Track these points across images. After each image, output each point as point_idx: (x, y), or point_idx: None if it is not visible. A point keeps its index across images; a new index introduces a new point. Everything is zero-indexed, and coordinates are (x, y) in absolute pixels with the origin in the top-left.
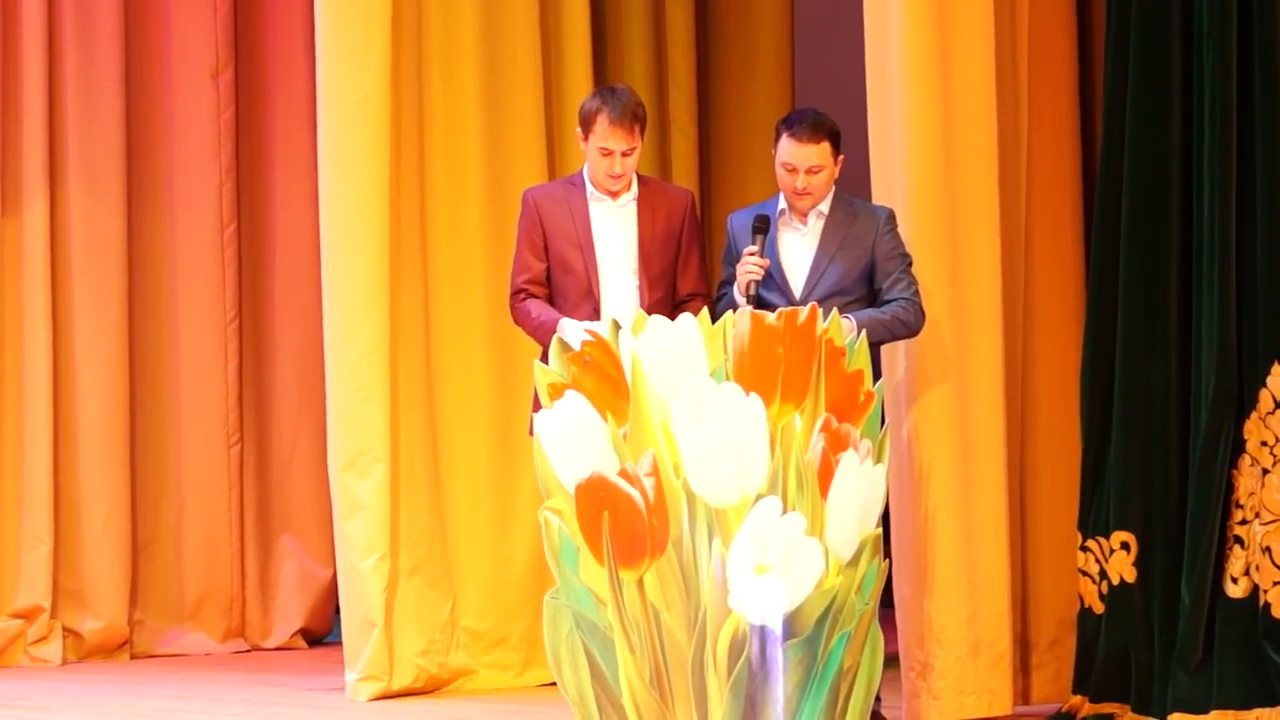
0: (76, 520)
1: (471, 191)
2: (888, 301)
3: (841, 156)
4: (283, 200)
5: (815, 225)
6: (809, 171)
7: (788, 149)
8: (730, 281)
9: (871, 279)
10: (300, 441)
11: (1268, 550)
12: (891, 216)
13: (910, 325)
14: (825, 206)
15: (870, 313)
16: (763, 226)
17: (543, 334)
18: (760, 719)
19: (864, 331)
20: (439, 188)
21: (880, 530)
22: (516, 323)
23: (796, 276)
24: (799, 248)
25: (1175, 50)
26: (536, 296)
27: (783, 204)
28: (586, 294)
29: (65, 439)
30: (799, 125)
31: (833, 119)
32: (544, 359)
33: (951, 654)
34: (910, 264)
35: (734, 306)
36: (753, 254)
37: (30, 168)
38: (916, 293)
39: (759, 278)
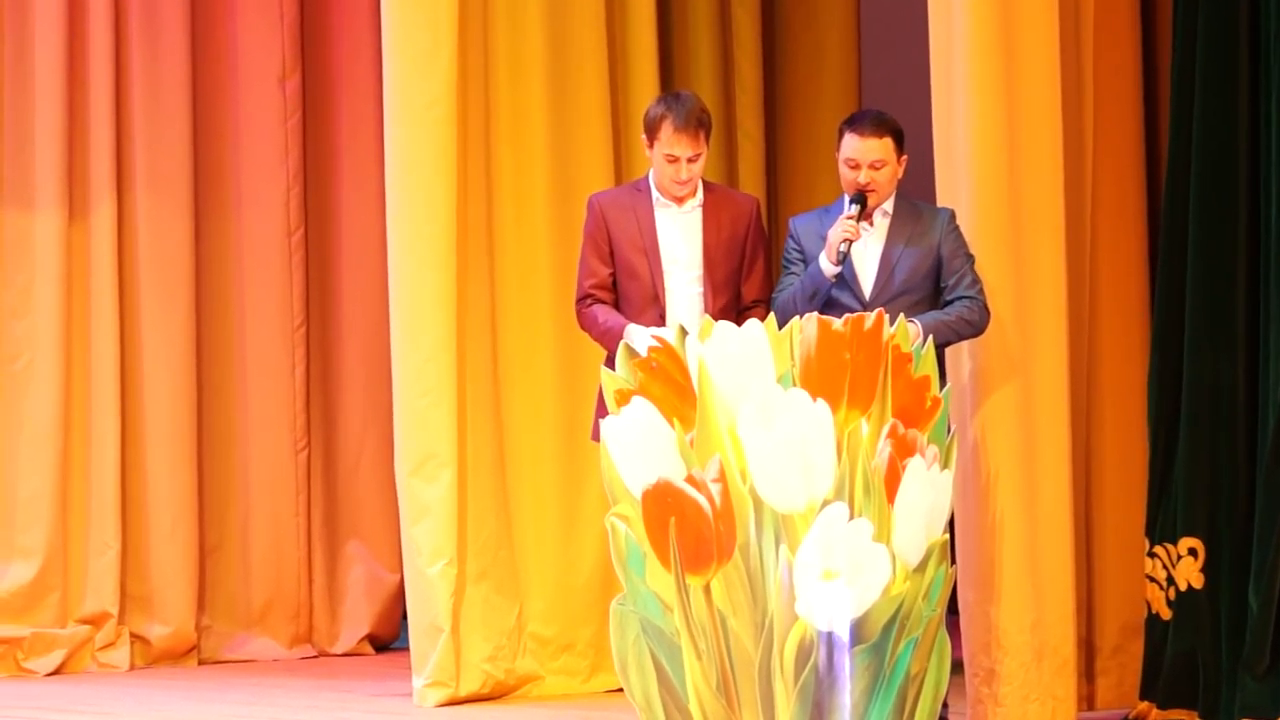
0: (144, 525)
1: (538, 196)
2: (951, 301)
3: (905, 156)
4: (350, 205)
5: (881, 224)
6: (871, 166)
7: (850, 145)
8: (794, 273)
9: (937, 277)
10: (367, 446)
11: None
12: (954, 215)
13: (976, 324)
14: (889, 206)
15: (935, 315)
16: (861, 199)
17: (609, 339)
18: None
19: (930, 337)
20: (506, 192)
21: (947, 536)
22: (583, 328)
23: (866, 274)
24: (867, 246)
25: (1242, 52)
26: (603, 302)
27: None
28: (652, 300)
29: (132, 444)
30: (861, 121)
31: (896, 119)
32: (610, 364)
33: (1016, 660)
34: (974, 262)
35: (795, 298)
36: (851, 217)
37: (97, 173)
38: (981, 290)
39: (856, 238)
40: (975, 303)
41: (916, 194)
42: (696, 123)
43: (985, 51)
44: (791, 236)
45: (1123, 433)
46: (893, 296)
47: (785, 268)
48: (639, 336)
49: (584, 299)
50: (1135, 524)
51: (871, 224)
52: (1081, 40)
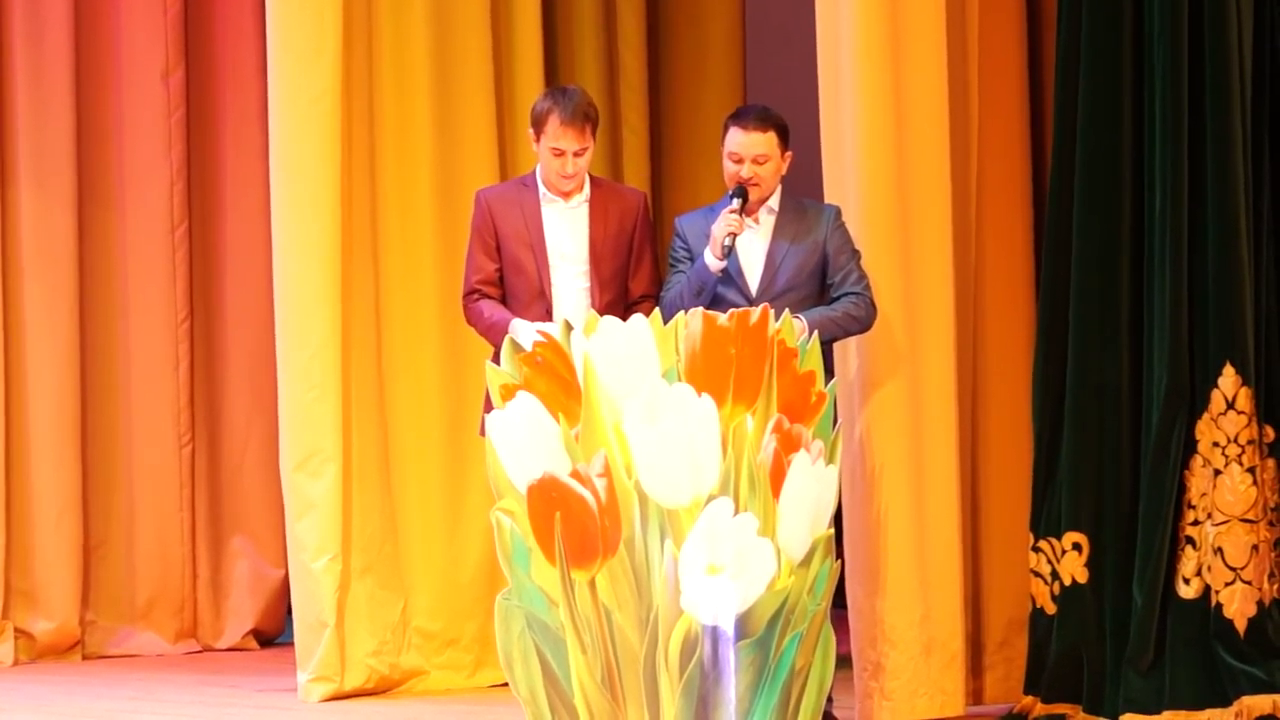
0: (28, 520)
1: (423, 191)
2: (839, 297)
3: (789, 153)
4: (234, 200)
5: (767, 221)
6: (755, 161)
7: (734, 139)
8: (682, 271)
9: (823, 274)
10: (252, 442)
11: (1219, 551)
12: (839, 212)
13: (862, 320)
14: (775, 203)
15: (822, 311)
16: (743, 192)
17: (495, 334)
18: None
19: (816, 332)
20: (391, 188)
21: (832, 531)
22: (469, 323)
23: (752, 271)
24: (752, 243)
25: (1126, 49)
26: (489, 297)
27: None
28: (538, 295)
29: (16, 439)
30: (746, 116)
31: (781, 114)
32: (496, 359)
33: (904, 654)
34: (860, 258)
35: (682, 295)
36: (733, 211)
37: None
38: (868, 286)
39: (740, 231)
40: (862, 299)
41: (804, 191)
42: (583, 117)
43: (873, 48)
44: (678, 235)
45: (1008, 428)
46: (778, 293)
47: (672, 266)
48: (524, 331)
49: (470, 294)
50: (1020, 519)
51: (758, 222)
52: (968, 37)
